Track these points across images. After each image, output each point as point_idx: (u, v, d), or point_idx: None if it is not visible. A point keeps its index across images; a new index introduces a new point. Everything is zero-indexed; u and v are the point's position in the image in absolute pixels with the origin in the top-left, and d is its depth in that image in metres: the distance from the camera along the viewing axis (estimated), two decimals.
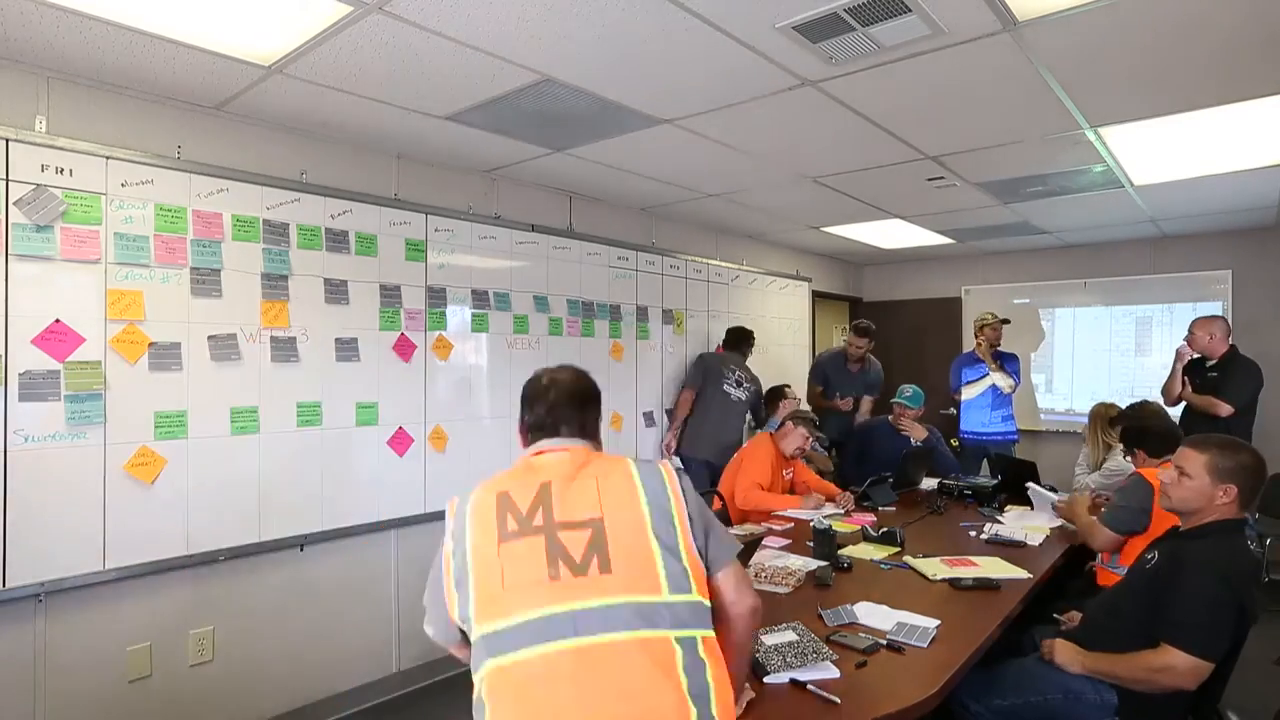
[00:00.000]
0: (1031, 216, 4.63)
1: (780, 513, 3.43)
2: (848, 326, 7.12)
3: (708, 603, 1.29)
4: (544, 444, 1.45)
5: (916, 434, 4.34)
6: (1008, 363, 5.03)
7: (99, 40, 2.12)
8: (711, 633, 1.27)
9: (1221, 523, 1.94)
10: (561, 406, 1.48)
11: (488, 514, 1.31)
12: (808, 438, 3.74)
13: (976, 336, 5.10)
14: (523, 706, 1.18)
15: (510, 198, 3.76)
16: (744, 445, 3.89)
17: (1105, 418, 3.76)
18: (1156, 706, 1.86)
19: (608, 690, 1.18)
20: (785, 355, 5.77)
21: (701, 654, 1.23)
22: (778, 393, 4.52)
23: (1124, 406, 3.61)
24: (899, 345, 6.56)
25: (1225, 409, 3.83)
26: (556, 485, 1.33)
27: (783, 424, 3.85)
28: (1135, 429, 2.97)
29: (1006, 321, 5.10)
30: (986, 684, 1.98)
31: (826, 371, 5.14)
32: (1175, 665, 1.78)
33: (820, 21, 2.00)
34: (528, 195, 3.85)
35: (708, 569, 1.33)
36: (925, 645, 1.86)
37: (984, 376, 4.99)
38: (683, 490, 1.36)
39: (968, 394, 5.02)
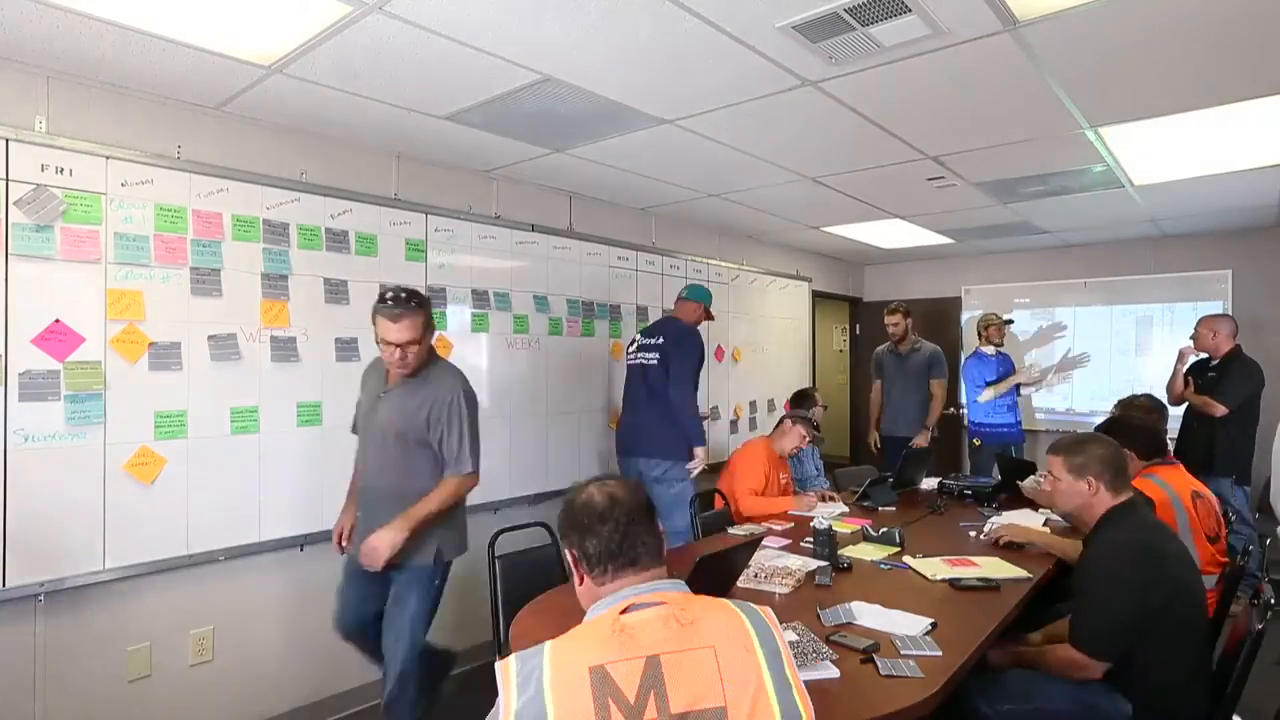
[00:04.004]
0: (1031, 216, 4.63)
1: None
2: (847, 327, 7.17)
3: None
4: (631, 593, 1.17)
5: None
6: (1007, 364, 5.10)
7: (99, 40, 2.12)
8: None
9: (1107, 514, 2.04)
10: (636, 526, 1.22)
11: (580, 700, 1.00)
12: (804, 437, 3.74)
13: (981, 335, 5.13)
14: None
15: (510, 198, 3.76)
16: (740, 448, 3.88)
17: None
18: (1172, 716, 1.85)
19: None
20: (785, 355, 5.77)
21: None
22: (807, 395, 4.58)
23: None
24: None
25: (1220, 409, 3.83)
26: (666, 661, 1.05)
27: (780, 423, 3.85)
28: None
29: (1010, 322, 5.19)
30: (995, 687, 1.96)
31: (881, 361, 5.19)
32: (1073, 659, 1.89)
33: (820, 21, 2.00)
34: (528, 195, 3.84)
35: None
36: (922, 652, 1.83)
37: (1009, 375, 5.04)
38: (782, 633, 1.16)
39: (989, 395, 5.02)
